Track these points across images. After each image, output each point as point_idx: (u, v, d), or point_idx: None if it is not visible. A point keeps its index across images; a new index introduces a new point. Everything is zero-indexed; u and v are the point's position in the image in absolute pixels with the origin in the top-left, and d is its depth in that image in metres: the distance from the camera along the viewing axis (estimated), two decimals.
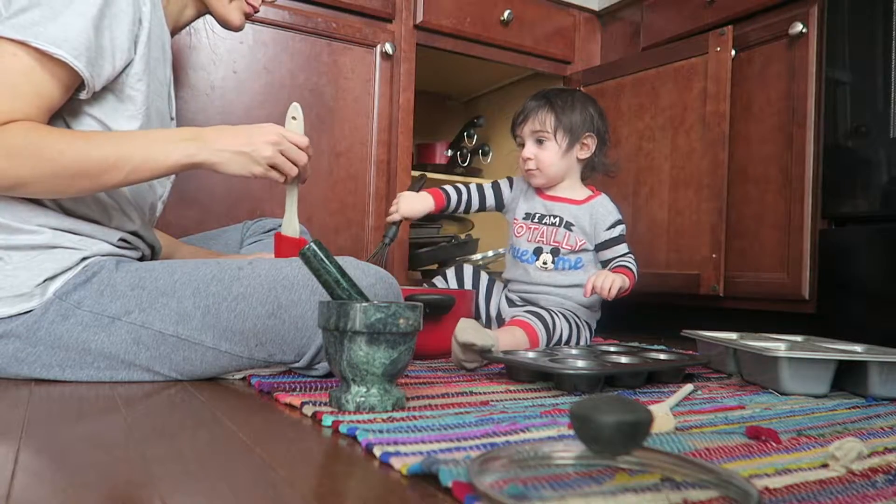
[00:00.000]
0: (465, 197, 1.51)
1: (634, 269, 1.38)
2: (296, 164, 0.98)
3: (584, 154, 1.46)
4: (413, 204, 1.44)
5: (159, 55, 0.98)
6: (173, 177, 1.11)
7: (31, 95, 0.83)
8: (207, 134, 0.92)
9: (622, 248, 1.43)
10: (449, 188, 1.50)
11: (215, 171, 0.93)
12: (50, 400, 0.78)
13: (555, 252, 1.44)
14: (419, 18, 1.80)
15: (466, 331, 1.04)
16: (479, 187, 1.53)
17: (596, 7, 2.09)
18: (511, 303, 1.48)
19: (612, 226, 1.43)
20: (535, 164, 1.43)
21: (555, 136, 1.42)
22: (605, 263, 1.44)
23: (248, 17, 1.11)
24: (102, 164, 0.85)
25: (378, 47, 1.74)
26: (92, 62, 0.86)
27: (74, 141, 0.85)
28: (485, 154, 2.29)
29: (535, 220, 1.47)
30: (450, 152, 2.26)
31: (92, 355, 0.88)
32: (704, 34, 1.69)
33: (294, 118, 1.03)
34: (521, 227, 1.48)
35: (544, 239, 1.45)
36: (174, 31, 1.08)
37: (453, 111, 2.56)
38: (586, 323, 1.44)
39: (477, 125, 2.24)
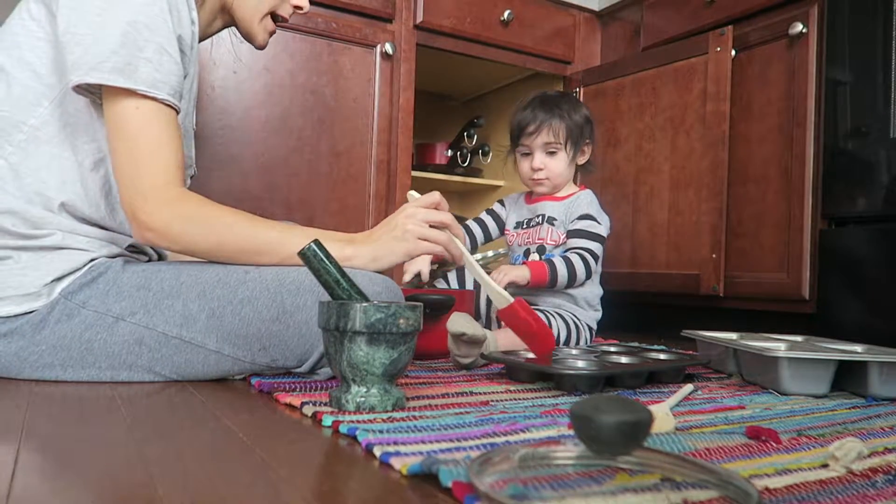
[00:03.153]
0: (474, 229, 1.56)
1: (560, 265, 1.36)
2: (443, 227, 0.97)
3: (583, 160, 1.50)
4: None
5: (194, 71, 1.00)
6: None
7: (170, 142, 0.88)
8: (358, 237, 0.96)
9: (579, 241, 1.40)
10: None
11: (374, 271, 0.95)
12: (50, 400, 0.78)
13: (541, 250, 1.46)
14: (419, 18, 1.80)
15: (457, 322, 1.06)
16: (478, 219, 1.58)
17: (596, 7, 2.09)
18: None
19: (581, 217, 1.43)
20: (545, 174, 1.46)
21: (565, 146, 1.45)
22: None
23: (272, 33, 1.11)
24: (263, 247, 0.92)
25: (378, 47, 1.74)
26: (181, 96, 0.91)
27: (241, 219, 0.91)
28: (485, 154, 2.29)
29: (524, 226, 1.52)
30: (450, 152, 2.26)
31: (94, 355, 0.88)
32: (704, 34, 1.69)
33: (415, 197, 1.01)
34: (513, 235, 1.54)
35: (531, 239, 1.48)
36: (199, 41, 1.08)
37: (453, 111, 2.56)
38: (586, 325, 1.43)
39: (477, 125, 2.24)
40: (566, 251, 1.41)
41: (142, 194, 0.86)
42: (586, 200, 1.47)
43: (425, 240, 0.95)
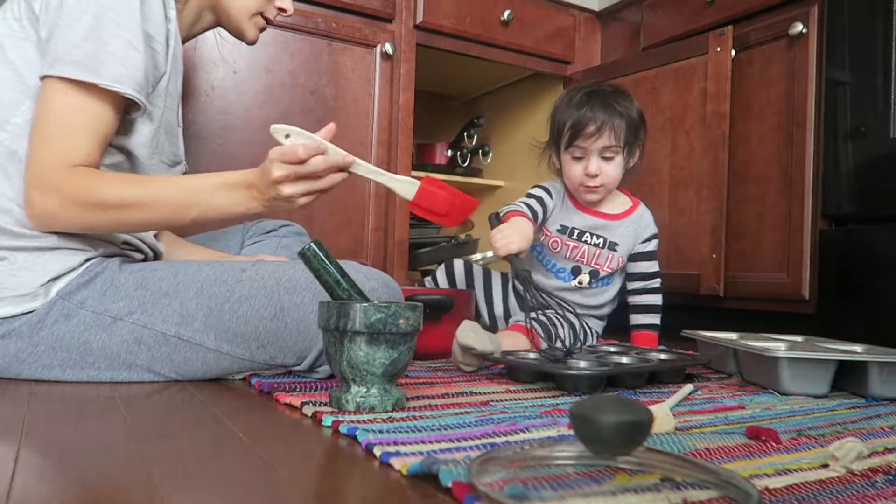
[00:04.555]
0: (539, 211, 1.35)
1: (659, 320, 1.37)
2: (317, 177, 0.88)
3: (632, 163, 1.37)
4: (523, 229, 1.21)
5: (174, 69, 0.98)
6: None
7: (90, 132, 0.86)
8: (253, 182, 0.89)
9: (652, 265, 1.39)
10: (523, 207, 1.32)
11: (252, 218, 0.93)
12: (50, 400, 0.78)
13: (594, 274, 1.37)
14: (419, 18, 1.80)
15: (468, 334, 1.03)
16: (540, 199, 1.36)
17: (596, 7, 2.09)
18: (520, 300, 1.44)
19: (649, 239, 1.39)
20: (601, 180, 1.31)
21: (623, 150, 1.32)
22: (631, 276, 1.40)
23: (262, 30, 1.11)
24: (157, 208, 0.88)
25: (378, 47, 1.74)
26: (147, 92, 0.90)
27: (125, 185, 0.88)
28: (485, 154, 2.29)
29: (574, 236, 1.37)
30: (450, 152, 2.26)
31: (93, 355, 0.88)
32: (704, 34, 1.69)
33: (287, 136, 0.88)
34: (557, 241, 1.37)
35: (584, 259, 1.37)
36: (185, 40, 1.08)
37: (453, 111, 2.56)
38: (590, 328, 1.42)
39: (477, 125, 2.24)
40: (646, 285, 1.39)
41: (31, 181, 0.85)
42: (651, 219, 1.40)
43: (312, 193, 0.89)
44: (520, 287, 1.45)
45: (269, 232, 1.32)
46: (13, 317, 0.87)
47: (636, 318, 1.40)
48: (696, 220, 1.68)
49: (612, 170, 1.32)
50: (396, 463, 0.54)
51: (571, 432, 0.55)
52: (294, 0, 1.61)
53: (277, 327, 0.90)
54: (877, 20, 1.38)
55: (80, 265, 0.90)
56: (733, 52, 1.62)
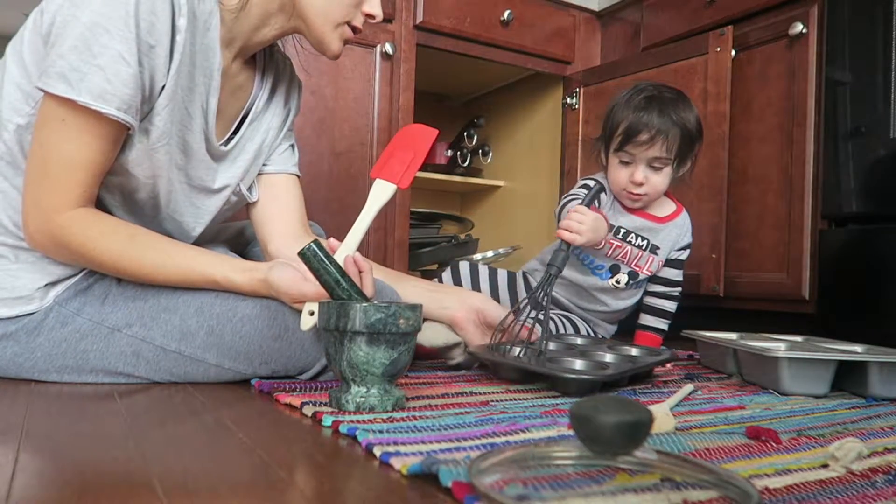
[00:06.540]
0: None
1: (667, 326, 1.36)
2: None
3: (682, 172, 1.33)
4: (600, 230, 1.18)
5: (188, 84, 0.87)
6: (210, 218, 1.03)
7: (87, 167, 0.81)
8: (268, 281, 0.88)
9: (679, 273, 1.38)
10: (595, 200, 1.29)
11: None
12: (50, 399, 0.78)
13: (632, 275, 1.35)
14: (419, 18, 1.80)
15: (423, 332, 1.00)
16: (596, 194, 1.31)
17: (596, 7, 2.09)
18: (528, 287, 1.43)
19: (684, 248, 1.38)
20: (646, 189, 1.29)
21: (674, 161, 1.28)
22: (655, 280, 1.38)
23: (348, 42, 0.98)
24: (153, 275, 0.88)
25: (378, 47, 1.74)
26: (136, 109, 0.81)
27: (127, 249, 0.85)
28: (485, 154, 2.29)
29: (620, 236, 1.33)
30: (450, 152, 2.26)
31: (90, 364, 0.87)
32: (704, 34, 1.69)
33: (312, 313, 0.86)
34: None
35: (626, 259, 1.34)
36: (243, 51, 0.96)
37: (453, 111, 2.56)
38: (595, 333, 1.42)
39: (477, 125, 2.24)
40: (667, 291, 1.37)
41: (29, 213, 0.83)
42: (690, 226, 1.38)
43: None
44: (535, 279, 1.42)
45: None
46: (9, 319, 0.86)
47: (646, 319, 1.39)
48: (696, 220, 1.67)
49: (659, 180, 1.29)
50: (396, 463, 0.54)
51: (571, 432, 0.55)
52: None
53: (282, 346, 0.89)
54: (877, 20, 1.38)
55: (80, 271, 0.90)
56: (733, 52, 1.63)
